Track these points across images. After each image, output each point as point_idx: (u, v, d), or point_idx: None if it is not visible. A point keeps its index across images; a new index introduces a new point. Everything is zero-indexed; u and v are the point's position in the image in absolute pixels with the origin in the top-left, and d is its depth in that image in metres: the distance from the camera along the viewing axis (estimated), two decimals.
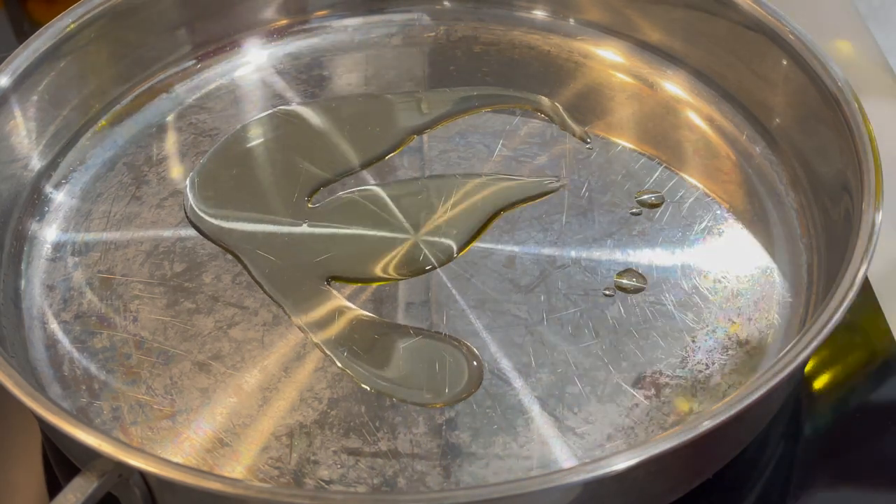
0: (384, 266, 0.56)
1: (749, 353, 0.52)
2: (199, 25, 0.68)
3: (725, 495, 0.50)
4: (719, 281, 0.55)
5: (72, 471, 0.44)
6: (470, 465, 0.48)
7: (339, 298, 0.54)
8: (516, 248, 0.57)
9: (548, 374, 0.51)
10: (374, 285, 0.55)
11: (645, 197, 0.59)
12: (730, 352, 0.52)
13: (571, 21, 0.69)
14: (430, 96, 0.65)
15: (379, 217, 0.59)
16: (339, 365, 0.51)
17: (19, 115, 0.60)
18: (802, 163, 0.59)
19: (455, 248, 0.57)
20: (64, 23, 0.61)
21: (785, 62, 0.59)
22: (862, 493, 0.50)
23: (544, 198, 0.59)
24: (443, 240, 0.57)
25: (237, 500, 0.42)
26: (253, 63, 0.68)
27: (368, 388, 0.50)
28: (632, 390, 0.50)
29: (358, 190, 0.60)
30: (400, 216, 0.58)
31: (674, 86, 0.65)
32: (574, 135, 0.62)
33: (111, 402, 0.51)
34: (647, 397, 0.50)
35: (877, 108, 0.57)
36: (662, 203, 0.58)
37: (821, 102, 0.57)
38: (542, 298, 0.54)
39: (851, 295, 0.46)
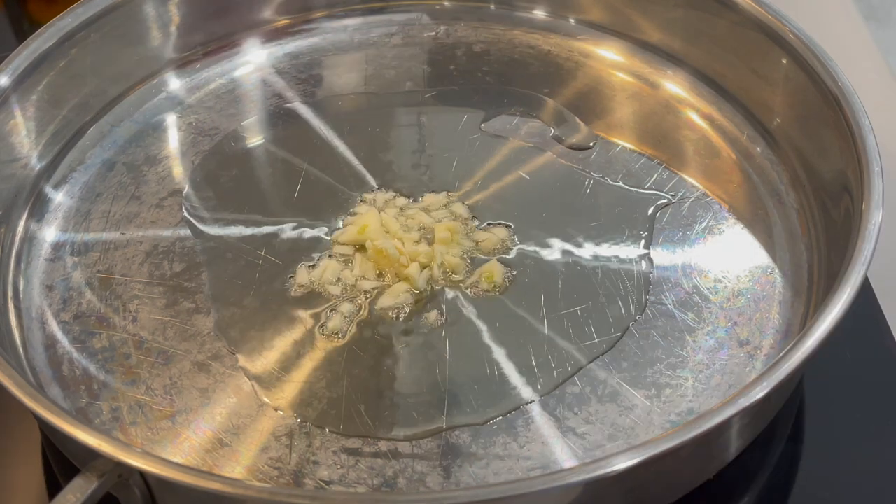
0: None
1: (749, 353, 0.52)
2: (199, 25, 0.68)
3: (726, 495, 0.50)
4: (719, 281, 0.55)
5: (72, 471, 0.44)
6: (470, 465, 0.48)
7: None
8: (516, 248, 0.57)
9: (548, 374, 0.51)
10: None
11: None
12: (730, 352, 0.52)
13: (571, 21, 0.69)
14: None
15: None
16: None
17: (19, 114, 0.60)
18: (803, 163, 0.59)
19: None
20: (64, 23, 0.61)
21: (785, 62, 0.59)
22: (862, 493, 0.50)
23: (544, 198, 0.59)
24: None
25: (237, 500, 0.42)
26: (253, 63, 0.68)
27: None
28: (632, 390, 0.50)
29: (357, 190, 0.60)
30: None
31: (674, 85, 0.65)
32: (578, 140, 0.62)
33: (111, 403, 0.51)
34: (647, 397, 0.50)
35: (877, 108, 0.57)
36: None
37: (821, 102, 0.57)
38: (542, 298, 0.54)
39: (851, 295, 0.46)
